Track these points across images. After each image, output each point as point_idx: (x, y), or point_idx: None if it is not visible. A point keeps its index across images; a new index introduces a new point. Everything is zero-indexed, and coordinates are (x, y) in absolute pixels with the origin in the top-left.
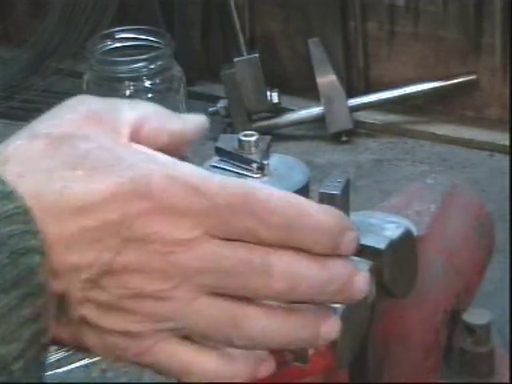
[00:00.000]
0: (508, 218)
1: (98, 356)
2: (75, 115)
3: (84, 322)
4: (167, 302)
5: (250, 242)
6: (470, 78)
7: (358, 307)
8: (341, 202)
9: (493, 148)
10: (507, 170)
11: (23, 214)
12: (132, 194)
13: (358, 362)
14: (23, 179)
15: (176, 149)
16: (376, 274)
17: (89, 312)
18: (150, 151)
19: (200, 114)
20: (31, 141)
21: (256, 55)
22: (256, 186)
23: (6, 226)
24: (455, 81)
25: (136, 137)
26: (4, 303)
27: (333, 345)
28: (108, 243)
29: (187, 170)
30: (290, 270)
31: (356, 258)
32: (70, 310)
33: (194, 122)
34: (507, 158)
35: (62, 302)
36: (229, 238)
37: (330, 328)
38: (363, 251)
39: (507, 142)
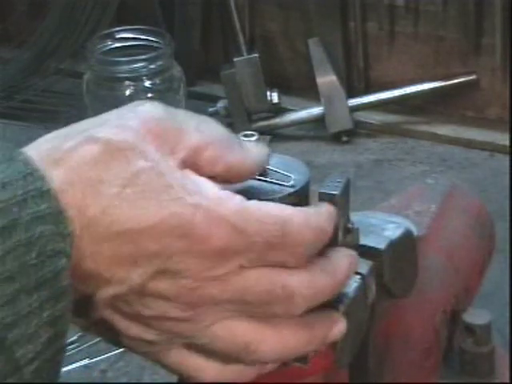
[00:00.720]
0: (508, 218)
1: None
2: (139, 125)
3: (102, 321)
4: (187, 324)
5: (273, 267)
6: (470, 78)
7: (358, 307)
8: (341, 202)
9: (493, 148)
10: (507, 170)
11: (55, 215)
12: (174, 230)
13: (357, 361)
14: (71, 188)
15: (230, 179)
16: (376, 274)
17: (109, 316)
18: (201, 180)
19: (201, 113)
20: (88, 144)
21: (256, 55)
22: (289, 218)
23: (37, 226)
24: (455, 81)
25: (194, 160)
26: (25, 304)
27: (333, 345)
28: (142, 269)
29: (231, 206)
30: (310, 292)
31: None
32: (91, 309)
33: (255, 155)
34: (507, 157)
35: (85, 300)
36: (257, 266)
37: (337, 332)
38: (363, 251)
39: (507, 142)
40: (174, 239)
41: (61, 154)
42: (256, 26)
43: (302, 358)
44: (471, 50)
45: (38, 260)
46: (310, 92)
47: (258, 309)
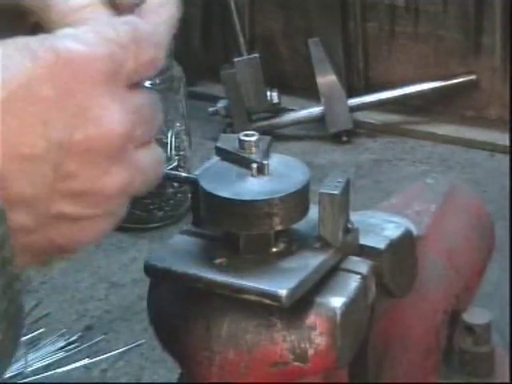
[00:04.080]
0: (508, 217)
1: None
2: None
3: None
4: None
5: None
6: (470, 78)
7: (358, 307)
8: (341, 202)
9: (493, 148)
10: (507, 170)
11: None
12: None
13: (357, 362)
14: None
15: None
16: (376, 274)
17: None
18: None
19: (200, 114)
20: None
21: (256, 55)
22: None
23: None
24: (455, 81)
25: None
26: None
27: (333, 345)
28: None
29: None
30: None
31: (356, 258)
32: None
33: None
34: (507, 157)
35: None
36: None
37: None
38: (363, 251)
39: (507, 142)
40: None
41: None
42: (256, 25)
43: (302, 358)
44: (471, 50)
45: None
46: (310, 92)
47: None
